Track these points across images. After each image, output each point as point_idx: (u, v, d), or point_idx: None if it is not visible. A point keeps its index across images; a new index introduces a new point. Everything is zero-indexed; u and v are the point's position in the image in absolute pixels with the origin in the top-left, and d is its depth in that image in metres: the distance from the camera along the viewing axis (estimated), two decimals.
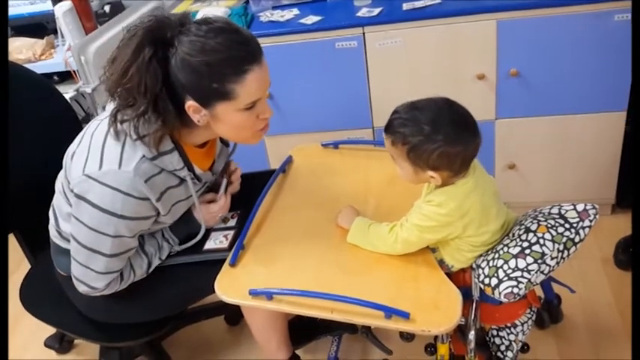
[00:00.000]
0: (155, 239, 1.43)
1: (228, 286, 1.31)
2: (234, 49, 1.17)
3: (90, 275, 1.34)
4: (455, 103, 1.23)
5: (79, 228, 1.30)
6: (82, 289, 1.38)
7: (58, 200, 1.44)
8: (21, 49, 2.36)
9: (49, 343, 2.10)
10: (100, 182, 1.23)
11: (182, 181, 1.34)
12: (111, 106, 1.26)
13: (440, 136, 1.18)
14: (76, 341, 2.13)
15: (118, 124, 1.23)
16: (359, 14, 2.01)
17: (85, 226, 1.28)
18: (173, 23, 1.18)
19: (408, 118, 1.22)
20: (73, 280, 1.38)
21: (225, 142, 1.52)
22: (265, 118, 1.31)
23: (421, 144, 1.19)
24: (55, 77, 2.34)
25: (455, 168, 1.23)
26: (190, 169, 1.34)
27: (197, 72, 1.16)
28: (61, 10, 2.21)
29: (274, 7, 2.20)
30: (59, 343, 2.09)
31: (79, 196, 1.26)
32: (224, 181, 1.50)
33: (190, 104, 1.20)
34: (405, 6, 1.99)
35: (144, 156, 1.24)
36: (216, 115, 1.23)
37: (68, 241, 1.44)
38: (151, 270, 1.42)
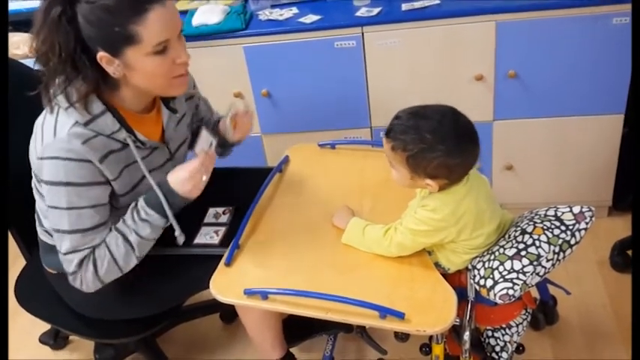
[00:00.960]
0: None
1: (223, 286, 1.31)
2: None
3: (61, 257, 1.32)
4: (459, 113, 1.22)
5: (48, 212, 1.31)
6: (69, 278, 1.35)
7: (37, 201, 1.46)
8: (18, 45, 2.35)
9: (43, 340, 2.10)
10: (44, 157, 1.24)
11: (124, 145, 1.32)
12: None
13: (442, 146, 1.18)
14: (70, 337, 2.13)
15: (52, 98, 1.24)
16: (358, 14, 2.01)
17: (46, 206, 1.29)
18: None
19: (410, 125, 1.21)
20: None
21: (172, 109, 1.46)
22: (182, 62, 1.27)
23: (421, 153, 1.19)
24: None
25: (453, 177, 1.23)
26: (130, 131, 1.32)
27: (100, 19, 1.16)
28: None
29: (273, 6, 2.19)
30: (54, 339, 2.09)
31: (42, 181, 1.28)
32: (203, 133, 1.32)
33: (101, 55, 1.20)
34: (404, 6, 1.99)
35: (77, 122, 1.24)
36: (128, 64, 1.22)
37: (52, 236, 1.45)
38: (134, 250, 1.32)
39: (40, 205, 1.45)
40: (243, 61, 2.09)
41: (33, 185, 1.43)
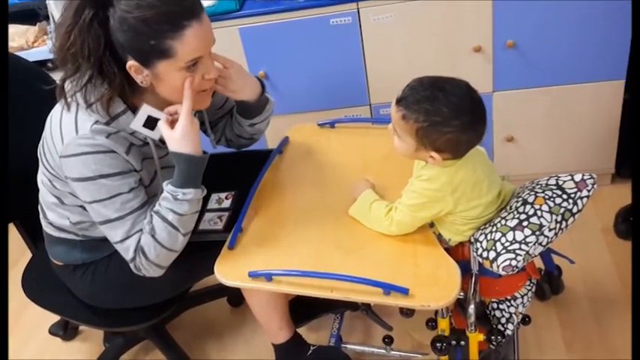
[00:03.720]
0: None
1: (228, 269, 1.32)
2: (171, 5, 1.15)
3: (117, 248, 1.31)
4: (474, 90, 1.20)
5: (89, 209, 1.29)
6: (130, 267, 1.32)
7: (41, 193, 1.46)
8: (13, 37, 2.34)
9: (53, 331, 2.11)
10: (68, 155, 1.23)
11: (145, 143, 1.32)
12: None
13: (456, 121, 1.16)
14: (80, 328, 2.14)
15: (68, 97, 1.23)
16: None
17: (87, 203, 1.28)
18: None
19: (427, 96, 1.17)
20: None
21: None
22: (210, 78, 1.28)
23: (434, 125, 1.17)
24: (49, 64, 2.31)
25: (458, 153, 1.23)
26: None
27: (134, 29, 1.14)
28: None
29: None
30: (64, 330, 2.10)
31: (69, 179, 1.27)
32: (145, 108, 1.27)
33: (131, 64, 1.19)
34: None
35: (98, 120, 1.23)
36: (158, 75, 1.22)
37: (59, 229, 1.46)
38: (179, 229, 1.27)
39: (44, 197, 1.45)
40: (239, 43, 2.07)
41: (40, 177, 1.43)
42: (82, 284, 1.50)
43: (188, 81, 1.24)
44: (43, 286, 1.67)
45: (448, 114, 1.16)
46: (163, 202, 1.27)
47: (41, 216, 1.52)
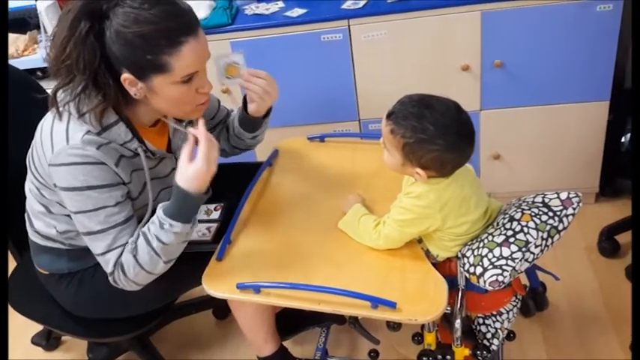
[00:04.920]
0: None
1: (216, 281, 1.31)
2: (168, 21, 1.15)
3: (99, 259, 1.31)
4: (463, 110, 1.22)
5: (74, 218, 1.29)
6: (109, 279, 1.32)
7: (29, 202, 1.45)
8: None
9: (36, 341, 2.09)
10: (57, 164, 1.23)
11: (135, 154, 1.31)
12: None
13: (441, 140, 1.18)
14: (63, 338, 2.12)
15: (60, 106, 1.23)
16: (344, 6, 2.01)
17: (72, 212, 1.28)
18: None
19: (414, 112, 1.20)
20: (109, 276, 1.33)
21: (178, 119, 1.44)
22: (205, 92, 1.29)
23: (420, 142, 1.19)
24: (39, 73, 2.31)
25: (443, 171, 1.24)
26: (141, 141, 1.32)
27: (131, 44, 1.15)
28: (43, 5, 2.19)
29: (259, 0, 2.19)
30: (46, 340, 2.08)
31: (58, 187, 1.26)
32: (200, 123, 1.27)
33: (126, 77, 1.19)
34: None
35: (89, 131, 1.23)
36: (152, 89, 1.22)
37: (46, 238, 1.45)
38: (160, 256, 1.26)
39: (32, 206, 1.44)
40: None
41: (27, 185, 1.42)
42: (68, 293, 1.49)
43: (202, 123, 1.25)
44: (27, 295, 1.65)
45: (434, 132, 1.18)
46: (152, 226, 1.26)
47: (27, 224, 1.51)
